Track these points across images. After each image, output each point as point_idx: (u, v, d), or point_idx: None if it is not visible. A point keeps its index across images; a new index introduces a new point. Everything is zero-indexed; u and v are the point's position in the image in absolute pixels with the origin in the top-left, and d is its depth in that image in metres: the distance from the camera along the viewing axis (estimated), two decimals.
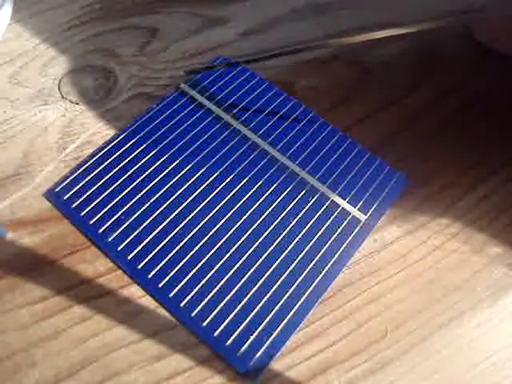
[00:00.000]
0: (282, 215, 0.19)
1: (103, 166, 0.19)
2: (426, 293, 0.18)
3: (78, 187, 0.19)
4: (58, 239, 0.18)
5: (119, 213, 0.18)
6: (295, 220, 0.19)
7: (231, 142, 0.21)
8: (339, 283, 0.18)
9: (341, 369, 0.16)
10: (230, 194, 0.19)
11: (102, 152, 0.20)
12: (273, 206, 0.19)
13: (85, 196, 0.18)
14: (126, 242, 0.17)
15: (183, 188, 0.19)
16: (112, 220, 0.18)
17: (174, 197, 0.19)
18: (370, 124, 0.22)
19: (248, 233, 0.18)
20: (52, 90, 0.22)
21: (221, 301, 0.17)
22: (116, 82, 0.22)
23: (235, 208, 0.19)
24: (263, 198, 0.19)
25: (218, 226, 0.18)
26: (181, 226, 0.18)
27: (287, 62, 0.24)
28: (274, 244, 0.18)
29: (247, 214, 0.19)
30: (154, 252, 0.17)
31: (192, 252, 0.17)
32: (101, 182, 0.19)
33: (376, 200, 0.20)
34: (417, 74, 0.24)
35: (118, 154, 0.20)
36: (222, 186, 0.19)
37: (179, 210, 0.18)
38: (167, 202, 0.19)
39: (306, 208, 0.19)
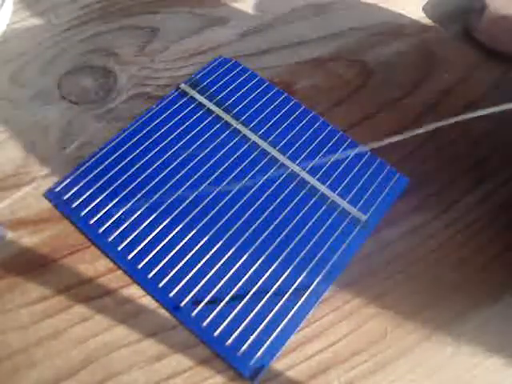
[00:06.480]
0: (282, 215, 0.19)
1: (103, 165, 0.19)
2: (426, 293, 0.18)
3: (78, 187, 0.19)
4: (58, 239, 0.18)
5: (119, 213, 0.18)
6: (295, 220, 0.19)
7: (231, 142, 0.21)
8: (339, 283, 0.18)
9: (341, 369, 0.16)
10: (230, 194, 0.19)
11: (102, 152, 0.20)
12: (273, 206, 0.19)
13: (85, 196, 0.18)
14: (125, 241, 0.17)
15: (183, 188, 0.19)
16: (112, 220, 0.18)
17: (174, 197, 0.19)
18: (369, 124, 0.22)
19: (248, 232, 0.18)
20: (52, 90, 0.22)
21: (221, 301, 0.17)
22: (116, 82, 0.22)
23: (235, 208, 0.19)
24: (263, 197, 0.19)
25: (217, 225, 0.18)
26: (181, 225, 0.18)
27: (287, 61, 0.24)
28: (274, 244, 0.18)
29: (247, 214, 0.19)
30: (153, 252, 0.17)
31: (192, 252, 0.17)
32: (101, 182, 0.19)
33: (376, 200, 0.20)
34: (417, 74, 0.24)
35: (118, 154, 0.20)
36: (221, 185, 0.19)
37: (179, 209, 0.18)
38: (167, 202, 0.19)
39: (306, 208, 0.19)
